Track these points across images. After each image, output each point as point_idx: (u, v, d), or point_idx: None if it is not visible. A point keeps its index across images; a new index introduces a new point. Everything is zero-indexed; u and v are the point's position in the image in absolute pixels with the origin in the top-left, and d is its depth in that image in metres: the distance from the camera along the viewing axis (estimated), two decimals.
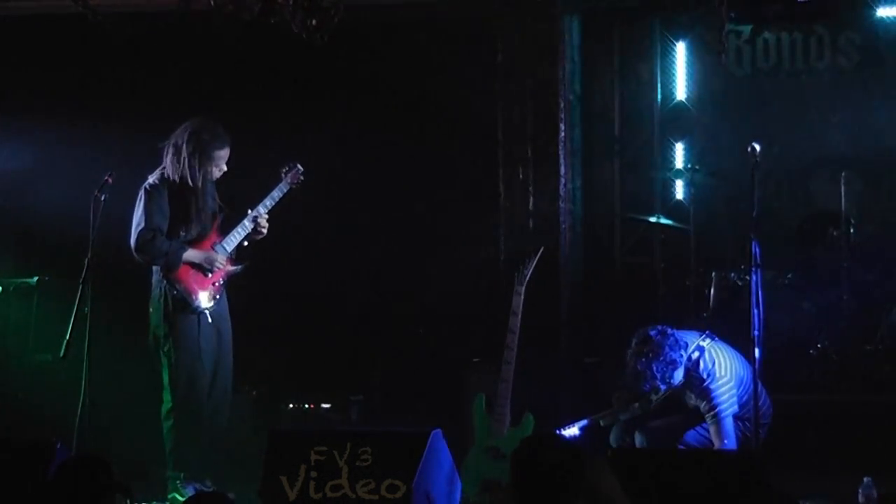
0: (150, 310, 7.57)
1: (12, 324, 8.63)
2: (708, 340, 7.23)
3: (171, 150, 7.58)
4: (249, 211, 7.70)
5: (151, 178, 7.59)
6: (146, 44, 9.02)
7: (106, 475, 4.77)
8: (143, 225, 7.48)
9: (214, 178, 7.67)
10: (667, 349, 7.04)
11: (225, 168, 7.67)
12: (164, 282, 7.50)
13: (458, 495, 6.73)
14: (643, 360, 7.04)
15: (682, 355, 7.08)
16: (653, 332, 7.10)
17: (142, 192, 7.56)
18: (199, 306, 7.54)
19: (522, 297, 7.65)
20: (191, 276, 7.55)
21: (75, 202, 7.68)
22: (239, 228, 7.70)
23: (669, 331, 7.14)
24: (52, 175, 9.34)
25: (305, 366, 9.27)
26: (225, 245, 7.67)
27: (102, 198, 7.31)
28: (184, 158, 7.52)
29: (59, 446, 6.13)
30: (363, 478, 6.29)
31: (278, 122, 9.35)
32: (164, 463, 7.60)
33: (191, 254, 7.56)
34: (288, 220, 7.93)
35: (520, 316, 7.62)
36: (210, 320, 7.59)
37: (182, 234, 7.57)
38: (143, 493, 7.36)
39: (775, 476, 6.09)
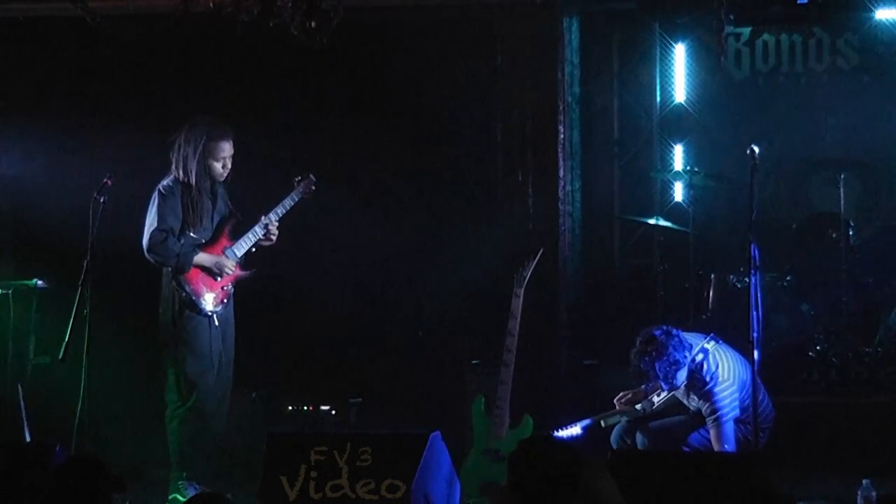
0: (160, 310, 7.60)
1: (12, 326, 8.62)
2: (712, 343, 7.22)
3: (175, 149, 7.62)
4: (262, 217, 7.72)
5: (165, 181, 7.62)
6: (146, 46, 9.03)
7: (102, 476, 4.77)
8: (155, 225, 7.51)
9: (221, 178, 7.68)
10: (670, 349, 7.04)
11: (229, 165, 7.68)
12: (174, 283, 7.51)
13: (457, 497, 6.73)
14: (646, 358, 7.04)
15: (685, 356, 7.08)
16: (657, 332, 7.10)
17: (155, 194, 7.59)
18: (207, 309, 7.56)
19: (521, 299, 7.65)
20: (201, 279, 7.57)
21: (75, 204, 7.69)
22: (250, 234, 7.74)
23: (674, 331, 7.13)
24: (52, 177, 9.33)
25: (305, 368, 9.27)
26: (235, 250, 7.71)
27: (102, 200, 7.32)
28: (185, 152, 7.58)
29: (57, 448, 6.13)
30: (363, 478, 6.30)
31: (276, 123, 9.35)
32: (163, 464, 7.61)
33: (202, 257, 7.58)
34: (287, 222, 7.93)
35: (519, 318, 7.62)
36: (217, 323, 7.61)
37: (192, 235, 7.58)
38: (143, 494, 7.36)
39: (775, 478, 6.09)
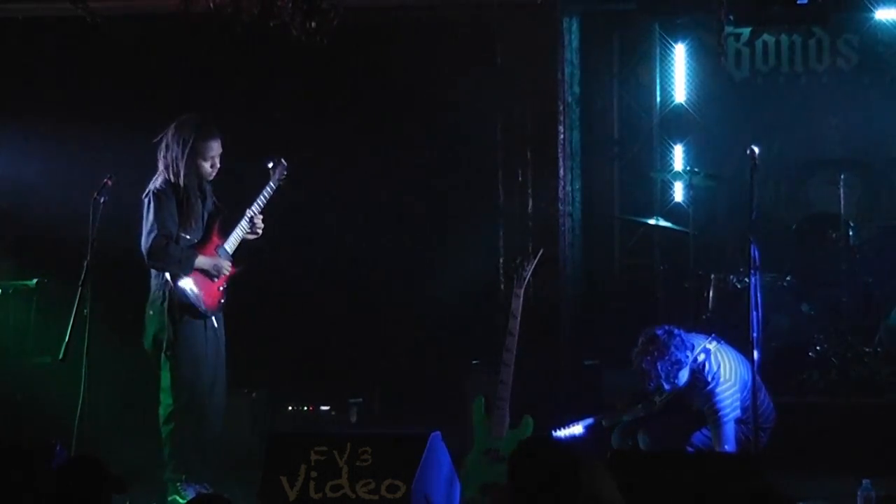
0: (150, 313, 7.51)
1: (11, 326, 8.62)
2: (714, 343, 7.22)
3: (162, 149, 7.54)
4: (247, 210, 7.67)
5: (157, 183, 7.49)
6: (146, 46, 9.04)
7: (102, 476, 4.77)
8: (156, 231, 7.38)
9: (210, 177, 7.61)
10: (673, 349, 7.04)
11: (218, 164, 7.58)
12: (170, 286, 7.45)
13: (457, 497, 6.73)
14: (648, 358, 7.04)
15: (687, 356, 7.08)
16: (659, 332, 7.11)
17: (150, 197, 7.45)
18: (206, 311, 7.53)
19: (521, 299, 7.64)
20: (199, 282, 7.52)
21: (74, 204, 7.67)
22: (238, 230, 7.66)
23: (676, 331, 7.14)
24: (52, 177, 9.34)
25: (305, 368, 9.28)
26: (227, 247, 7.66)
27: (102, 200, 7.28)
28: (175, 153, 7.47)
29: (58, 448, 6.13)
30: (363, 478, 6.29)
31: (277, 123, 9.35)
32: (163, 465, 7.60)
33: (201, 260, 7.51)
34: (287, 222, 7.93)
35: (519, 318, 7.61)
36: (215, 324, 7.59)
37: (186, 236, 7.53)
38: (143, 496, 7.35)
39: (775, 478, 6.09)
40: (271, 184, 7.69)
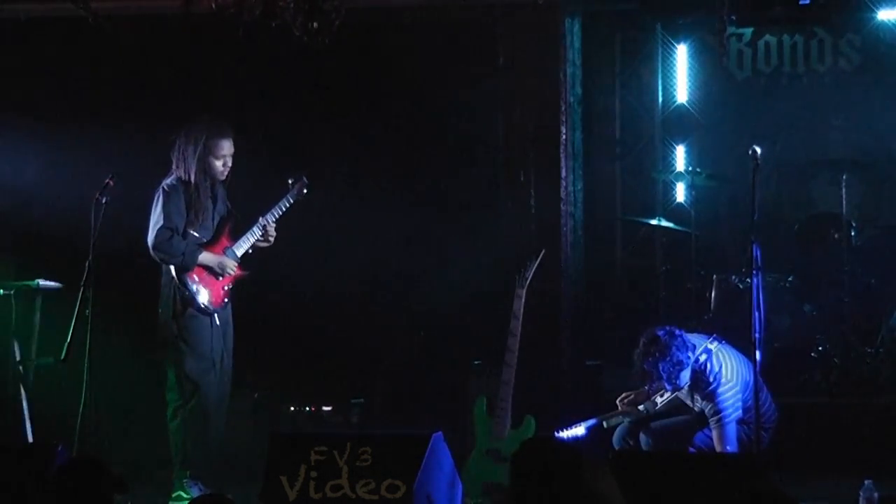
0: (160, 310, 7.62)
1: (14, 327, 8.61)
2: (715, 344, 7.22)
3: (175, 147, 7.68)
4: (261, 218, 7.76)
5: (169, 179, 7.66)
6: (148, 47, 9.04)
7: (104, 476, 4.77)
8: (161, 223, 7.54)
9: (221, 176, 7.72)
10: (674, 349, 7.04)
11: (230, 163, 7.71)
12: (175, 282, 7.54)
13: (459, 497, 6.72)
14: (650, 359, 7.04)
15: (689, 357, 7.08)
16: (661, 332, 7.10)
17: (160, 192, 7.62)
18: (208, 308, 7.59)
19: (523, 299, 7.65)
20: (203, 279, 7.61)
21: (77, 205, 7.71)
22: (249, 235, 7.80)
23: (677, 332, 7.14)
24: (54, 178, 9.34)
25: (307, 368, 9.27)
26: (236, 250, 7.76)
27: (104, 200, 7.34)
28: (186, 151, 7.62)
29: (59, 449, 6.13)
30: (363, 478, 6.30)
31: (279, 124, 9.35)
32: (165, 464, 7.61)
33: (205, 256, 7.63)
34: (288, 223, 7.94)
35: (521, 318, 7.62)
36: (219, 322, 7.64)
37: (195, 234, 7.62)
38: (146, 495, 7.36)
39: (777, 479, 6.09)
40: (289, 197, 7.82)
